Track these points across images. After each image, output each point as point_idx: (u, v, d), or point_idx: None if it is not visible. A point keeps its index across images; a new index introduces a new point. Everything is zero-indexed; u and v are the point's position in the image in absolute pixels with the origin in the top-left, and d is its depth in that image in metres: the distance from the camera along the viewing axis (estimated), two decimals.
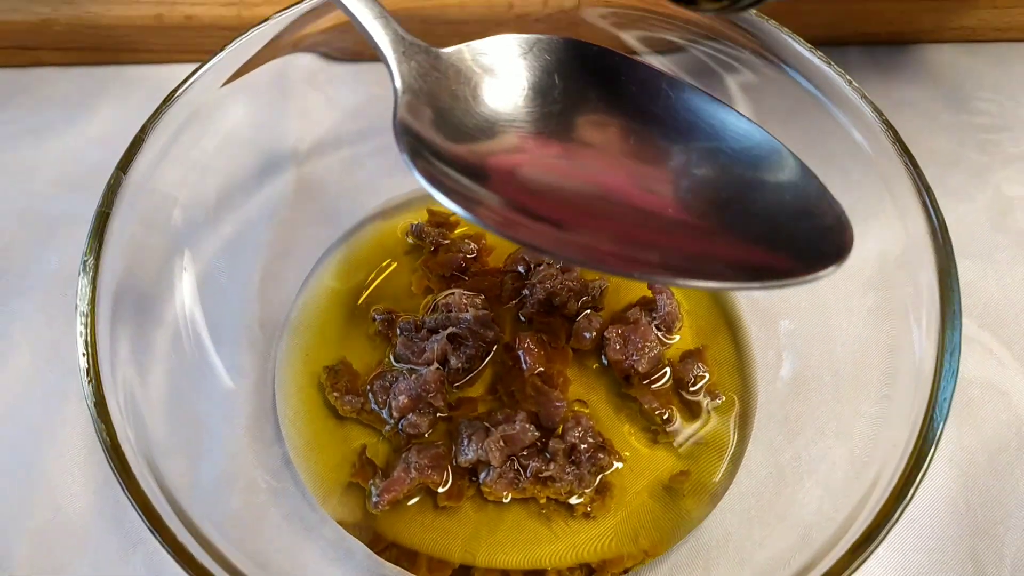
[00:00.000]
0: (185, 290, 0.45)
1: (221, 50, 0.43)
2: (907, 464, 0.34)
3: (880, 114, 0.40)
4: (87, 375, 0.35)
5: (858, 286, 0.43)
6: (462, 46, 0.38)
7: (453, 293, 0.47)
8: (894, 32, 0.57)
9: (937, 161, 0.54)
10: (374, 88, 0.45)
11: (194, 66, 0.43)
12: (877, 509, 0.33)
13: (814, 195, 0.34)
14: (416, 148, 0.34)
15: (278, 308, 0.48)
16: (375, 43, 0.36)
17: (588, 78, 0.38)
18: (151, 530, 0.33)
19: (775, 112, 0.46)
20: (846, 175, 0.42)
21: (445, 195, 0.31)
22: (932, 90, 0.57)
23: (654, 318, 0.45)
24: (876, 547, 0.32)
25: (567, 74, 0.38)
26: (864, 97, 0.41)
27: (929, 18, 0.56)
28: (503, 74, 0.38)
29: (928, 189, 0.39)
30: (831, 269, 0.30)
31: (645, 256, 0.33)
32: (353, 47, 0.49)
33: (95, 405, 0.35)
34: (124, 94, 0.58)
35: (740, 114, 0.36)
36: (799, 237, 0.33)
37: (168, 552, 0.32)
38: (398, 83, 0.36)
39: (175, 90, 0.42)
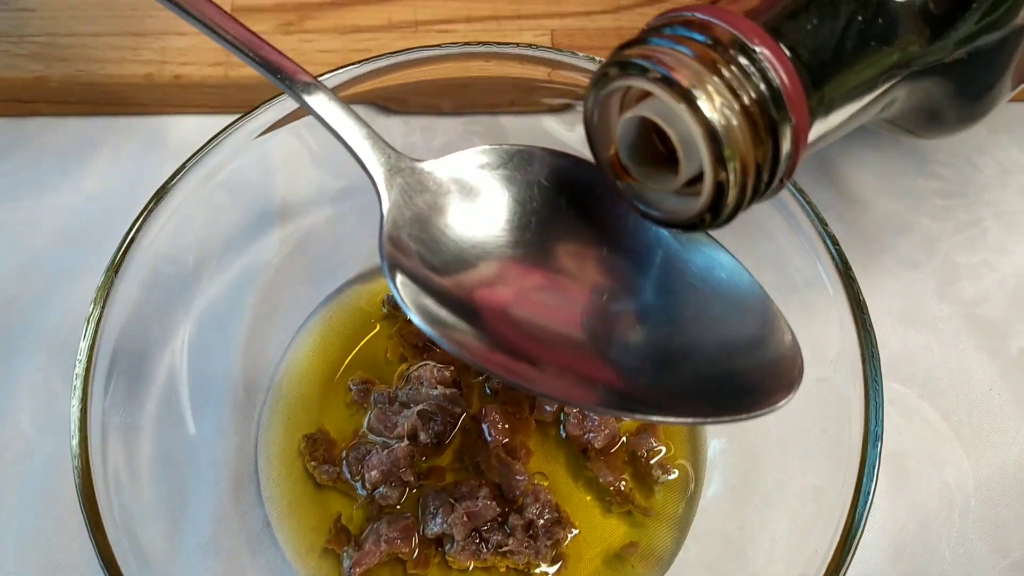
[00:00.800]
0: (175, 353, 0.48)
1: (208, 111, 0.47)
2: (842, 535, 0.37)
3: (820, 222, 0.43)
4: (77, 449, 0.38)
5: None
6: (442, 160, 0.40)
7: (425, 365, 0.50)
8: None
9: (890, 226, 0.56)
10: None
11: (184, 118, 0.45)
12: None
13: (771, 322, 0.36)
14: (401, 270, 0.36)
15: (262, 372, 0.51)
16: (365, 166, 0.38)
17: (568, 195, 0.39)
18: None
19: None
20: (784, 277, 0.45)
21: (428, 324, 0.34)
22: (891, 151, 0.59)
23: None
24: None
25: (546, 190, 0.39)
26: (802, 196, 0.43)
27: None
28: (482, 192, 0.39)
29: (862, 305, 0.41)
30: (789, 397, 0.33)
31: (617, 395, 0.36)
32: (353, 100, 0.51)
33: (79, 473, 0.38)
34: (119, 144, 0.60)
35: (712, 244, 0.38)
36: (757, 369, 0.35)
37: None
38: (385, 204, 0.37)
39: (184, 165, 0.45)
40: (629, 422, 0.49)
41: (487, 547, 0.45)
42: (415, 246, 0.37)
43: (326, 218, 0.55)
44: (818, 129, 0.32)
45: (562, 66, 0.50)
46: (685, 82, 0.28)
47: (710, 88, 0.29)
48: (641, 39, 0.31)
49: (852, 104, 0.33)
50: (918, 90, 0.38)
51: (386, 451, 0.46)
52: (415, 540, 0.46)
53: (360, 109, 0.54)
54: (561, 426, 0.49)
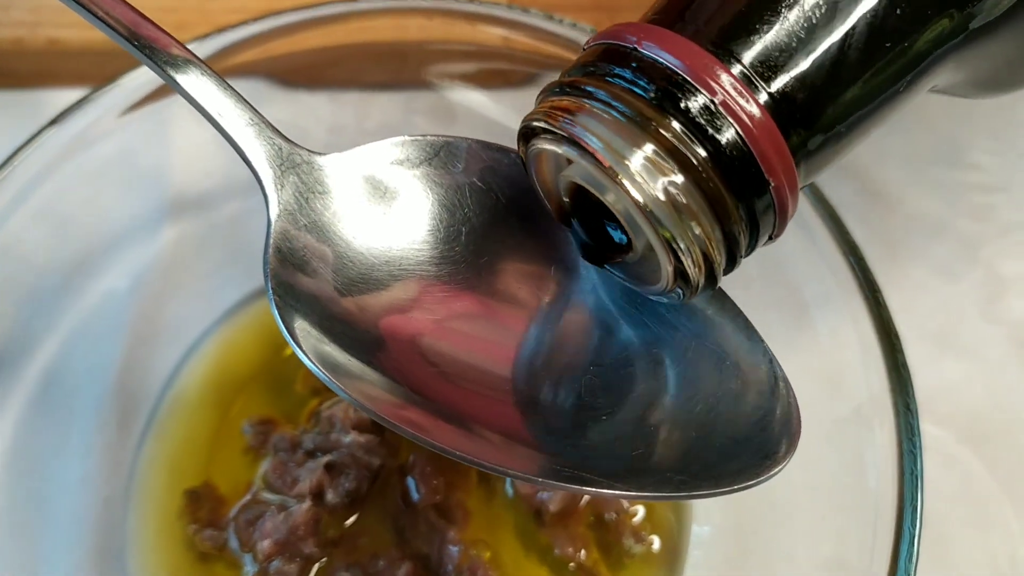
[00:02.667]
0: (29, 381, 0.39)
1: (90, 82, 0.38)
2: None
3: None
4: None
5: (810, 417, 0.36)
6: (349, 153, 0.31)
7: (340, 402, 0.40)
8: None
9: (922, 228, 0.47)
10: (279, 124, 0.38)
11: (62, 92, 0.35)
12: None
13: (760, 368, 0.29)
14: (292, 297, 0.28)
15: (140, 406, 0.42)
16: (248, 161, 0.30)
17: (508, 200, 0.32)
18: None
19: None
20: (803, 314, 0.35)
21: (327, 369, 0.26)
22: (921, 138, 0.49)
23: None
24: None
25: (480, 194, 0.32)
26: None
27: None
28: (399, 194, 0.31)
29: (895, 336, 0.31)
30: (781, 467, 0.26)
31: (569, 462, 0.28)
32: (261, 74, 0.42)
33: None
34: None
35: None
36: (741, 427, 0.28)
37: None
38: (273, 209, 0.29)
39: (36, 134, 0.38)
40: None
41: None
42: (313, 263, 0.29)
43: (231, 214, 0.45)
44: (816, 167, 0.26)
45: (522, 28, 0.41)
46: (606, 162, 0.24)
47: (645, 159, 0.24)
48: (570, 85, 0.26)
49: (863, 126, 0.27)
50: (967, 60, 0.29)
51: (283, 514, 0.36)
52: None
53: (275, 82, 0.45)
54: (508, 482, 0.38)
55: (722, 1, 0.25)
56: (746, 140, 0.24)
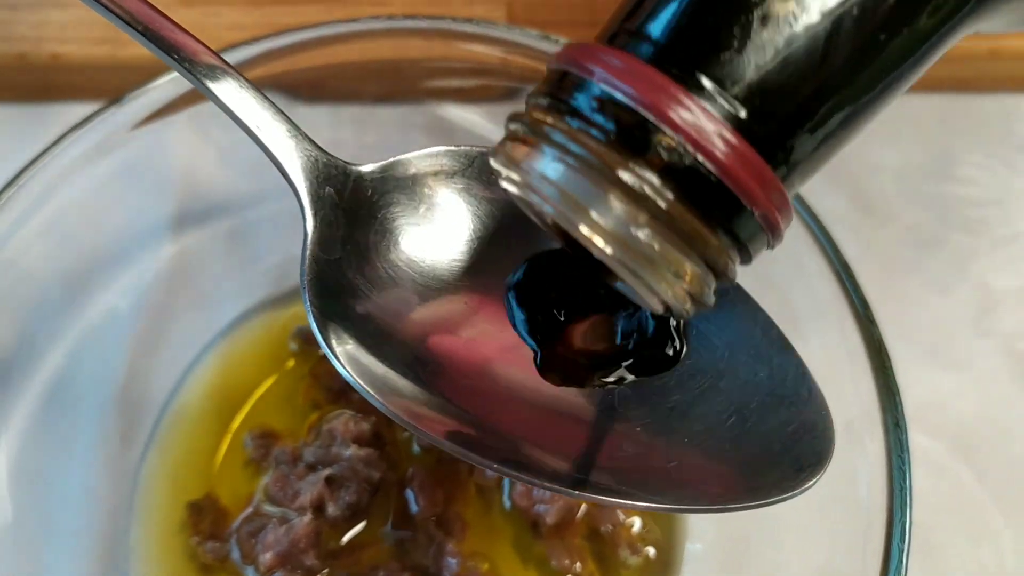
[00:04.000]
0: (33, 395, 0.39)
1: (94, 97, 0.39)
2: None
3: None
4: None
5: None
6: (386, 164, 0.32)
7: (340, 415, 0.40)
8: None
9: (915, 242, 0.47)
10: None
11: (65, 106, 0.36)
12: None
13: (793, 379, 0.29)
14: (327, 307, 0.28)
15: (143, 419, 0.42)
16: (286, 173, 0.30)
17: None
18: None
19: None
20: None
21: (365, 383, 0.27)
22: (915, 151, 0.49)
23: None
24: None
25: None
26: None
27: None
28: (437, 207, 0.32)
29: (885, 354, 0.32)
30: (816, 479, 0.27)
31: (601, 474, 0.28)
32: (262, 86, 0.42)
33: None
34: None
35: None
36: (783, 447, 0.28)
37: None
38: (310, 222, 0.30)
39: (43, 152, 0.38)
40: None
41: None
42: (350, 276, 0.30)
43: (231, 229, 0.45)
44: (811, 170, 0.25)
45: (520, 48, 0.41)
46: (563, 216, 0.23)
47: (609, 208, 0.23)
48: (529, 121, 0.24)
49: (858, 121, 0.25)
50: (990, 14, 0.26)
51: (284, 527, 0.37)
52: None
53: (274, 96, 0.45)
54: (506, 494, 0.39)
55: (683, 12, 0.23)
56: (720, 175, 0.22)
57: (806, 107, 0.23)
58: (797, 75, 0.22)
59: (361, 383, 0.27)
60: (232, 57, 0.41)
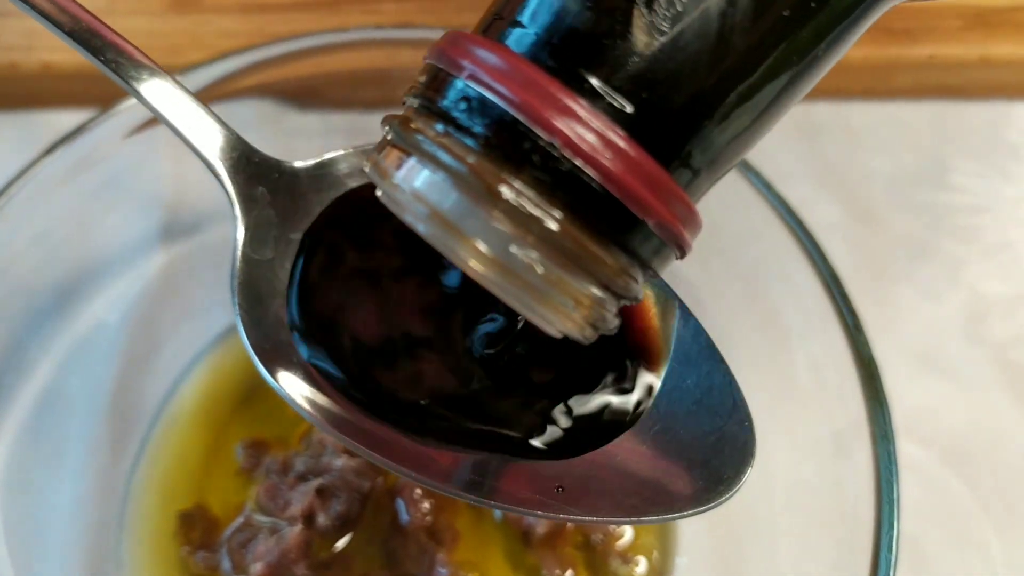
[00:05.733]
0: (22, 404, 0.39)
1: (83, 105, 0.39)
2: None
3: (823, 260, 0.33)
4: None
5: (792, 448, 0.37)
6: (321, 161, 0.31)
7: None
8: (867, 87, 0.50)
9: (907, 250, 0.47)
10: (272, 143, 0.38)
11: (56, 114, 0.36)
12: None
13: (726, 406, 0.28)
14: (257, 310, 0.28)
15: (133, 429, 0.42)
16: (215, 170, 0.30)
17: None
18: None
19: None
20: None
21: (292, 395, 0.27)
22: (907, 158, 0.50)
23: None
24: None
25: None
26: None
27: (905, 75, 0.48)
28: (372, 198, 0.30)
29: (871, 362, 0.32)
30: (733, 491, 0.26)
31: (551, 495, 0.27)
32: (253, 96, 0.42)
33: None
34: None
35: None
36: (704, 458, 0.27)
37: None
38: (240, 224, 0.29)
39: (31, 163, 0.37)
40: None
41: None
42: (281, 275, 0.29)
43: (223, 237, 0.45)
44: (723, 164, 0.22)
45: None
46: (437, 241, 0.20)
47: (485, 228, 0.20)
48: (400, 126, 0.21)
49: (782, 100, 0.21)
50: None
51: (274, 537, 0.37)
52: None
53: (267, 103, 0.45)
54: None
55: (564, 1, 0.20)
56: (607, 184, 0.19)
57: (705, 98, 0.20)
58: (692, 61, 0.19)
59: (281, 386, 0.26)
60: (224, 66, 0.41)
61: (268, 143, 0.31)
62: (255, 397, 0.42)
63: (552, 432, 0.27)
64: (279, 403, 0.40)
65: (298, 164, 0.30)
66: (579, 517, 0.26)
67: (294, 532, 0.37)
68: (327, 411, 0.26)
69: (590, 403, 0.28)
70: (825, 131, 0.50)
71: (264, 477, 0.39)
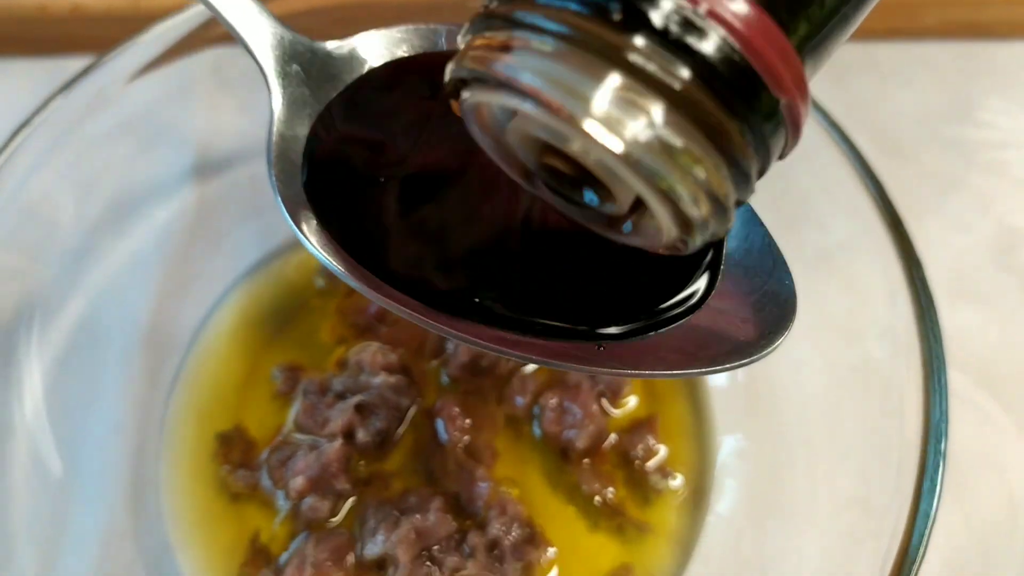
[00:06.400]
0: (59, 335, 0.39)
1: (114, 46, 0.38)
2: (893, 570, 0.29)
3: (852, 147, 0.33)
4: None
5: (833, 351, 0.37)
6: (354, 40, 0.31)
7: (367, 347, 0.40)
8: (893, 27, 0.50)
9: (935, 183, 0.47)
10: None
11: (86, 58, 0.36)
12: None
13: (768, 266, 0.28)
14: (294, 184, 0.28)
15: (169, 357, 0.42)
16: (250, 48, 0.30)
17: None
18: None
19: None
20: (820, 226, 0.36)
21: (332, 259, 0.26)
22: (934, 97, 0.50)
23: (598, 383, 0.38)
24: None
25: None
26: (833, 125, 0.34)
27: (931, 14, 0.49)
28: (405, 80, 0.31)
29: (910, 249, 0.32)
30: (779, 342, 0.26)
31: (584, 347, 0.26)
32: None
33: None
34: (6, 91, 0.50)
35: None
36: (747, 314, 0.27)
37: None
38: (276, 100, 0.29)
39: (56, 92, 0.37)
40: (619, 418, 0.39)
41: (440, 572, 0.35)
42: (321, 150, 0.29)
43: (253, 173, 0.45)
44: (823, 56, 0.21)
45: None
46: (560, 107, 0.18)
47: (615, 94, 0.18)
48: (495, 15, 0.20)
49: None
50: None
51: (314, 453, 0.37)
52: (350, 563, 0.36)
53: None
54: (535, 421, 0.39)
55: None
56: (742, 50, 0.18)
57: None
58: None
59: (329, 259, 0.26)
60: None
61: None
62: (289, 326, 0.42)
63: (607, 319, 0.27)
64: (312, 331, 0.40)
65: (330, 45, 0.30)
66: (622, 371, 0.27)
67: (334, 446, 0.37)
68: (359, 271, 0.26)
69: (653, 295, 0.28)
70: (852, 71, 0.50)
71: (301, 398, 0.39)
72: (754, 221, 0.28)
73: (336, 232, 0.27)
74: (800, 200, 0.37)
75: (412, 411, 0.39)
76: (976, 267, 0.45)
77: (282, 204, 0.27)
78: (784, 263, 0.27)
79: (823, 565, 0.34)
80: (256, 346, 0.42)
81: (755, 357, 0.25)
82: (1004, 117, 0.49)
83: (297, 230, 0.27)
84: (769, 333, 0.26)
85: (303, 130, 0.29)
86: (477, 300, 0.27)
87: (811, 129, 0.35)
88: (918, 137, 0.48)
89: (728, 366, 0.25)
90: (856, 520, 0.34)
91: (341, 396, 0.39)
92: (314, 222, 0.27)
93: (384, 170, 0.29)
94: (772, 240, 0.28)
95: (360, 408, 0.38)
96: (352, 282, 0.26)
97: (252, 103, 0.44)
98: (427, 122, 0.30)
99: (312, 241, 0.26)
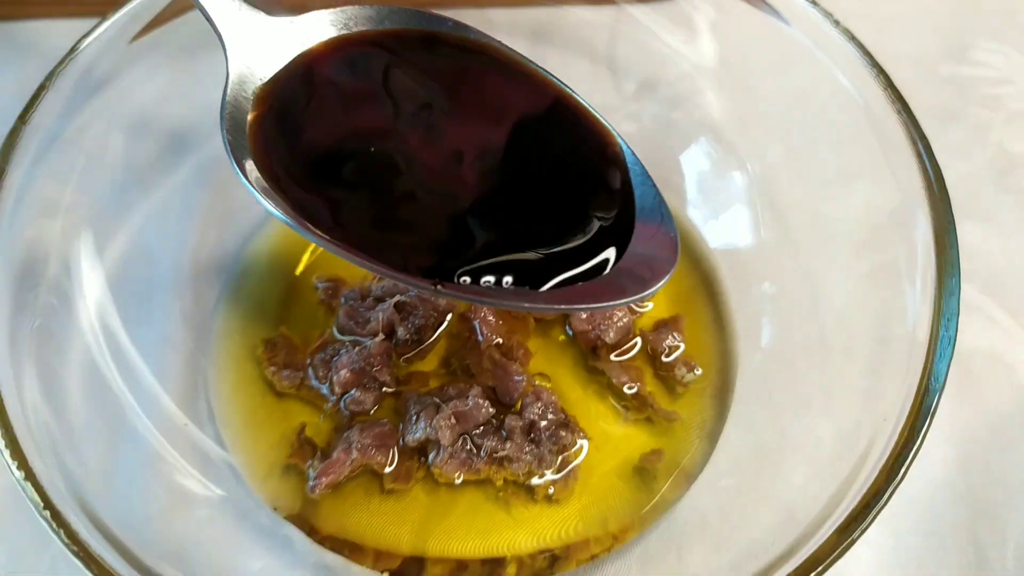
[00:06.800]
0: (111, 260, 0.41)
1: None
2: (899, 439, 0.31)
3: (870, 57, 0.36)
4: None
5: (846, 248, 0.40)
6: (306, 17, 0.34)
7: None
8: None
9: (935, 116, 0.49)
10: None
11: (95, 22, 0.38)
12: (866, 487, 0.29)
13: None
14: (242, 145, 0.31)
15: (214, 276, 0.44)
16: (206, 11, 0.33)
17: (442, 67, 0.35)
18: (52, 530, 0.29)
19: (749, 56, 0.42)
20: (834, 128, 0.38)
21: (275, 206, 0.30)
22: (929, 40, 0.53)
23: None
24: (865, 528, 0.29)
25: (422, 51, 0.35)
26: (852, 39, 0.37)
27: None
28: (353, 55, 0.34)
29: (923, 138, 0.34)
30: (667, 278, 0.31)
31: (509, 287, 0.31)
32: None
33: None
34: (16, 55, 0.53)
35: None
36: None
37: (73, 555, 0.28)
38: (229, 63, 0.33)
39: (78, 43, 0.39)
40: (644, 320, 0.42)
41: (479, 454, 0.37)
42: (271, 100, 0.33)
43: None
44: None
45: None
46: None
47: None
48: None
49: None
50: None
51: (357, 348, 0.39)
52: (394, 451, 0.38)
53: None
54: (567, 324, 0.41)
55: None
56: None
57: None
58: None
59: (275, 208, 0.30)
60: None
61: None
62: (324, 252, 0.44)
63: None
64: None
65: (280, 16, 0.34)
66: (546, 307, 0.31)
67: (376, 341, 0.39)
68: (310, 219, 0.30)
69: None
70: (853, 20, 0.53)
71: (343, 304, 0.41)
72: (648, 183, 0.33)
73: (277, 181, 0.31)
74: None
75: (448, 317, 0.41)
76: (977, 189, 0.47)
77: (230, 154, 0.31)
78: (671, 217, 0.32)
79: (837, 445, 0.35)
80: (296, 265, 0.44)
81: (649, 292, 0.30)
82: (999, 57, 0.52)
83: (239, 172, 0.31)
84: (658, 273, 0.30)
85: (252, 91, 0.32)
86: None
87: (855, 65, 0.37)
88: (917, 77, 0.51)
89: (630, 299, 0.30)
90: (866, 404, 0.35)
91: (380, 299, 0.41)
92: (255, 173, 0.31)
93: (323, 133, 0.33)
94: (662, 198, 0.32)
95: (400, 307, 0.40)
96: (289, 221, 0.30)
97: None
98: (366, 93, 0.33)
99: (250, 179, 0.30)
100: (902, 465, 0.29)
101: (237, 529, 0.37)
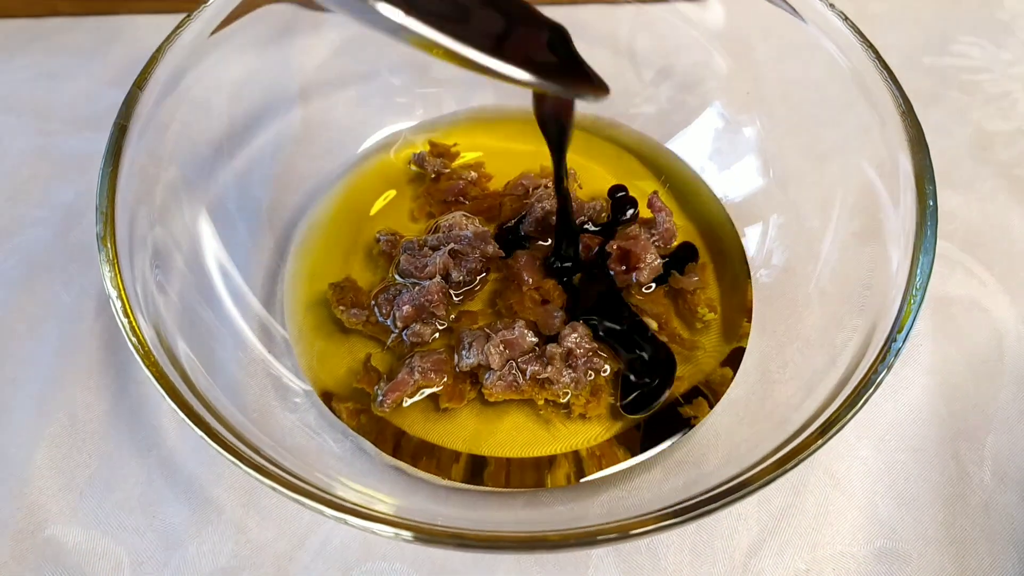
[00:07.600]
0: (199, 218, 0.47)
1: None
2: (876, 357, 0.36)
3: (862, 35, 0.42)
4: (111, 283, 0.37)
5: (839, 207, 0.45)
6: None
7: (454, 214, 0.48)
8: None
9: (918, 99, 0.55)
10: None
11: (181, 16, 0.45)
12: (844, 397, 0.35)
13: None
14: None
15: (285, 233, 0.50)
16: None
17: None
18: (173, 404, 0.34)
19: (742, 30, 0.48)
20: (829, 100, 0.44)
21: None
22: (914, 34, 0.59)
23: (653, 234, 0.47)
24: (842, 426, 0.34)
25: None
26: (846, 20, 0.43)
27: None
28: None
29: (905, 99, 0.40)
30: None
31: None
32: None
33: (121, 309, 0.36)
34: (134, 40, 0.60)
35: None
36: None
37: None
38: None
39: (172, 33, 0.44)
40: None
41: (524, 377, 0.43)
42: None
43: (347, 99, 0.54)
44: None
45: None
46: None
47: None
48: None
49: None
50: None
51: (417, 288, 0.45)
52: (450, 376, 0.44)
53: None
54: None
55: None
56: None
57: None
58: None
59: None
60: None
61: None
62: (384, 209, 0.50)
63: None
64: (405, 211, 0.49)
65: None
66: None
67: (434, 282, 0.45)
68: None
69: None
70: None
71: (403, 252, 0.47)
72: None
73: None
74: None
75: (494, 261, 0.47)
76: (958, 161, 0.53)
77: None
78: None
79: (829, 372, 0.40)
80: (358, 222, 0.50)
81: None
82: (976, 48, 0.58)
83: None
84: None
85: None
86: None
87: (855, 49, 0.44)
88: (902, 65, 0.57)
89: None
90: (853, 338, 0.40)
91: (435, 248, 0.47)
92: None
93: None
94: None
95: (453, 254, 0.46)
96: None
97: (345, 48, 0.54)
98: None
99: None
100: (875, 380, 0.35)
101: (313, 443, 0.43)
